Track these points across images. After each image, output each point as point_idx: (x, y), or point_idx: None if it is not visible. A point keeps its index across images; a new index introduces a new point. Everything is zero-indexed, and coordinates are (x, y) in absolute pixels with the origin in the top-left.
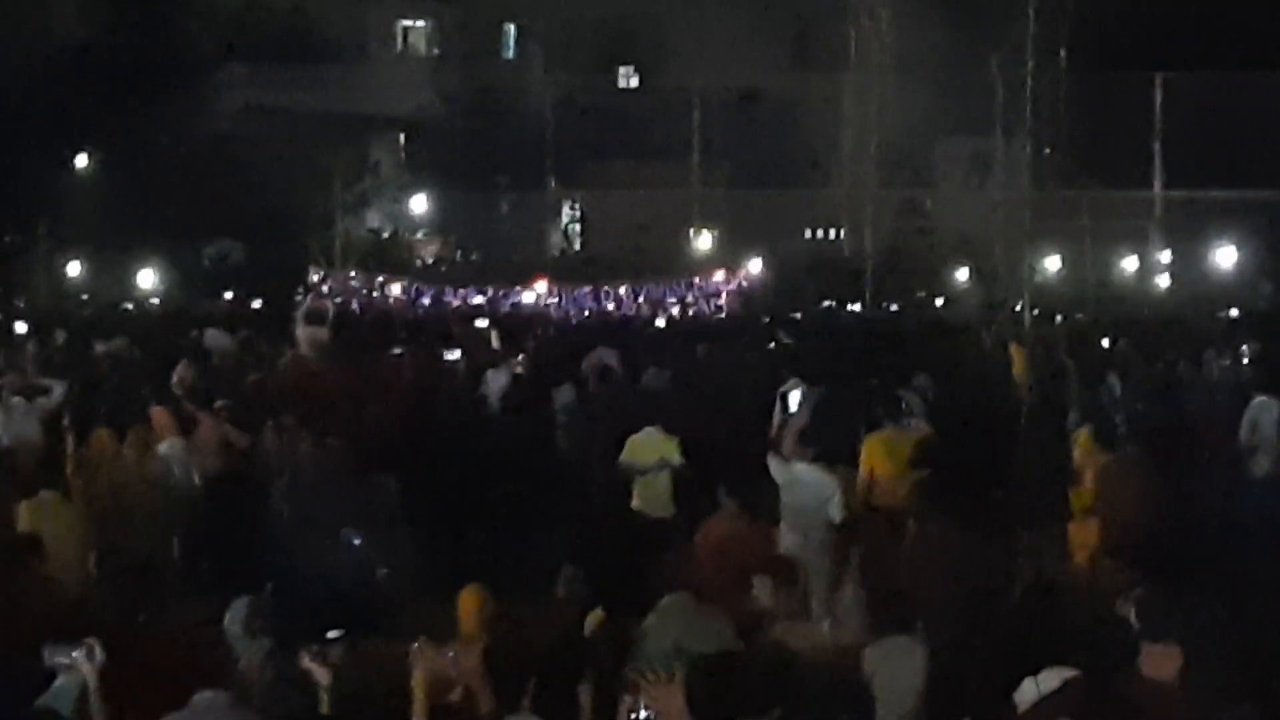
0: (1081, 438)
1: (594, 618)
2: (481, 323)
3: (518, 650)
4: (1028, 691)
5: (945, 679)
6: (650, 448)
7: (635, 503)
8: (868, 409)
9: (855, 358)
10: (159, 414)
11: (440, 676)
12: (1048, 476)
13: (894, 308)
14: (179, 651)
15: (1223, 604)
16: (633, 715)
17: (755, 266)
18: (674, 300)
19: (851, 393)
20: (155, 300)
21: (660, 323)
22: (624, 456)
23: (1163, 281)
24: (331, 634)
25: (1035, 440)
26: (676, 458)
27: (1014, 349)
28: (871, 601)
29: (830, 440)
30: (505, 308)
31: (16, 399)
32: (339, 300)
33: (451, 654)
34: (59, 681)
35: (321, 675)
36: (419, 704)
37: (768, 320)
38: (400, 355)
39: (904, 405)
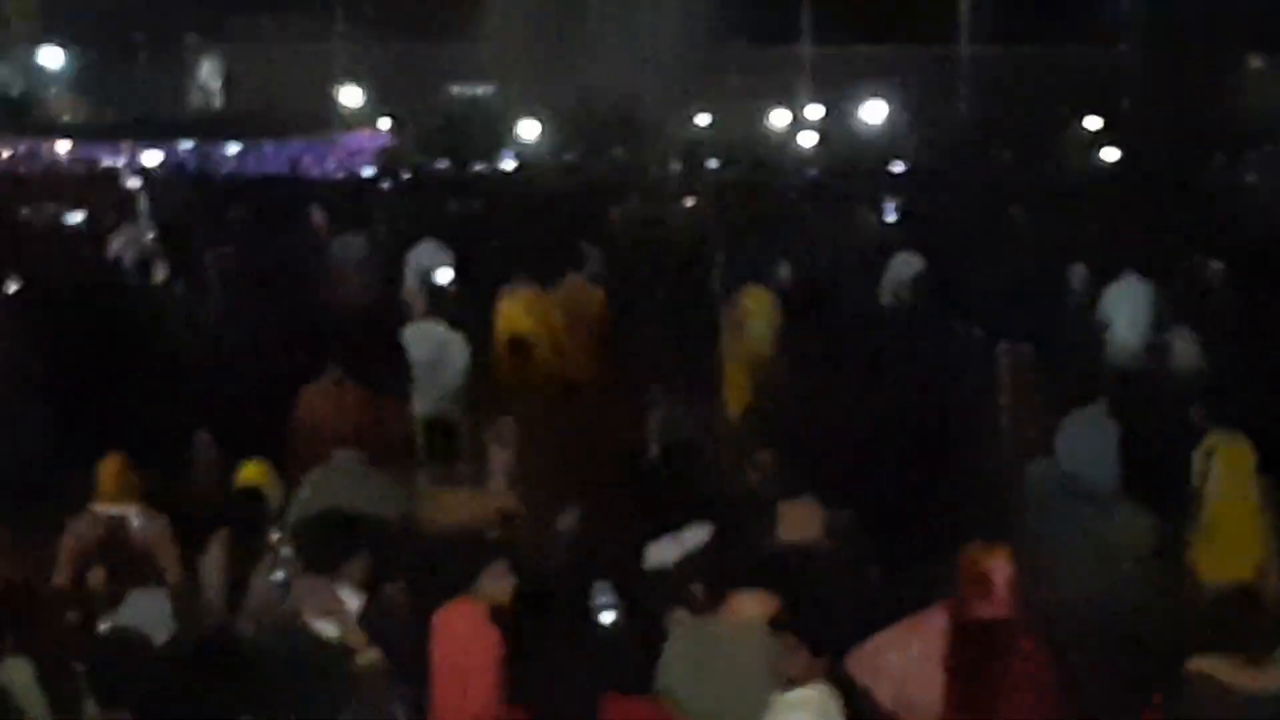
0: (744, 295)
1: (250, 471)
2: (133, 182)
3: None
4: (668, 550)
5: (585, 540)
6: None
7: None
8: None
9: (504, 218)
10: None
11: (102, 546)
12: (698, 334)
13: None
14: None
15: (862, 461)
16: (271, 576)
17: (399, 123)
18: (316, 158)
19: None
20: None
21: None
22: None
23: (812, 137)
24: None
25: (690, 298)
26: None
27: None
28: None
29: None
30: (145, 167)
31: None
32: None
33: (137, 519)
34: None
35: None
36: (65, 573)
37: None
38: (26, 215)
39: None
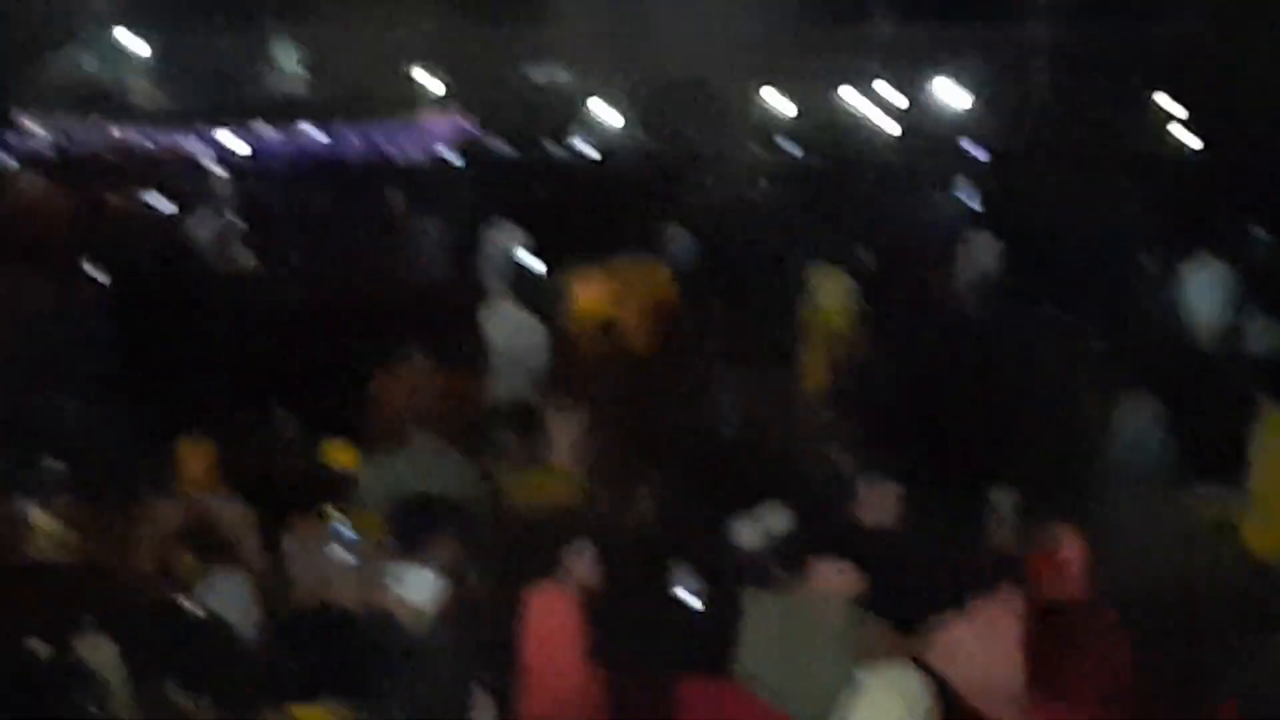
0: (819, 277)
1: (335, 451)
2: (213, 166)
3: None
4: (746, 530)
5: (664, 521)
6: None
7: None
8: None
9: (579, 200)
10: None
11: (186, 528)
12: (775, 315)
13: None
14: None
15: (939, 442)
16: (334, 554)
17: (476, 105)
18: (394, 141)
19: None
20: None
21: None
22: None
23: (889, 119)
24: (49, 463)
25: (766, 279)
26: None
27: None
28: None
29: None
30: (225, 150)
31: None
32: (50, 143)
33: (219, 501)
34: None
35: (47, 524)
36: (150, 554)
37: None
38: (108, 199)
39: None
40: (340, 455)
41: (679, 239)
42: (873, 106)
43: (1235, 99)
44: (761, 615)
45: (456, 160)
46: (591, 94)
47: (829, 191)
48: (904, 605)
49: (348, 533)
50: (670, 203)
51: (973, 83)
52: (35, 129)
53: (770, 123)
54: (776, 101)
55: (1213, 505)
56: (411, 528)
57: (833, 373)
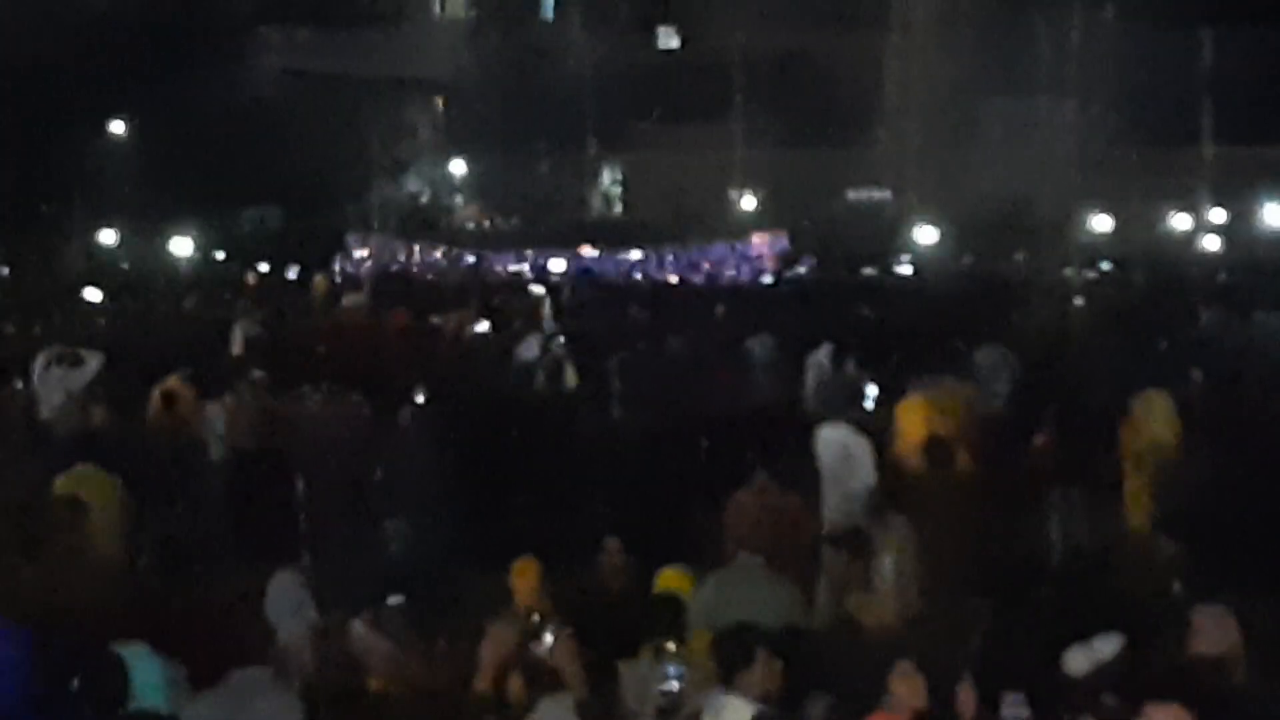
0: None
1: (670, 578)
2: (537, 289)
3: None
4: (1079, 659)
5: (995, 647)
6: None
7: None
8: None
9: (902, 321)
10: (177, 385)
11: (518, 654)
12: (1098, 439)
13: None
14: (217, 627)
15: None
16: (663, 687)
17: (798, 228)
18: (716, 263)
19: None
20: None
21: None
22: None
23: (1213, 239)
24: (392, 599)
25: (1090, 402)
26: None
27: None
28: (918, 570)
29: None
30: (549, 273)
31: (57, 370)
32: (377, 266)
33: (546, 633)
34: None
35: (376, 644)
36: (486, 680)
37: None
38: (436, 325)
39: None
40: (673, 581)
41: (1003, 359)
42: (1199, 227)
43: None
44: None
45: (779, 282)
46: (914, 215)
47: (1153, 312)
48: None
49: (678, 668)
50: (994, 323)
51: None
52: (365, 253)
53: (1093, 243)
54: (1100, 222)
55: None
56: (732, 655)
57: (1160, 497)
